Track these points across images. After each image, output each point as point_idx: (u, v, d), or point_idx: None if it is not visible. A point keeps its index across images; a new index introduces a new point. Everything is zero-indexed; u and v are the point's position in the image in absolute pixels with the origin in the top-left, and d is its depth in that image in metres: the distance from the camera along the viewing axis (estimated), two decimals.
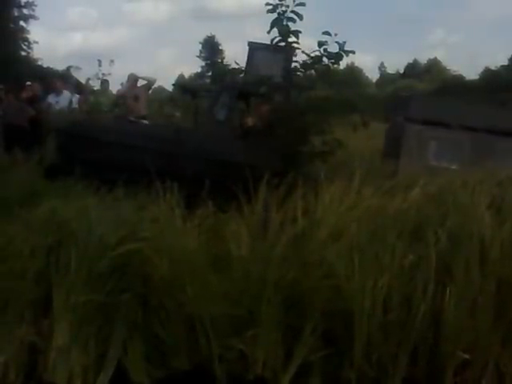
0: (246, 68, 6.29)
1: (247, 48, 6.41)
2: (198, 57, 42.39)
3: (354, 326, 3.43)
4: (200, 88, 7.38)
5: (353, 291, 3.49)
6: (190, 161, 5.44)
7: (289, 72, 5.70)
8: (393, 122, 7.12)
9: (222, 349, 3.46)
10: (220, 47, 41.31)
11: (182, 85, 7.51)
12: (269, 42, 5.52)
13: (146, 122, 7.29)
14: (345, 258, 3.60)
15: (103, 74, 7.73)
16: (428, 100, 7.89)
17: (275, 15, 5.33)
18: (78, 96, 8.45)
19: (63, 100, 8.23)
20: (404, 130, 6.33)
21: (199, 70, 40.70)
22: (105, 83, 8.10)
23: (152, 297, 3.65)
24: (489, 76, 28.13)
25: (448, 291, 3.40)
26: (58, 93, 8.33)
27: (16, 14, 22.95)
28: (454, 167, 5.83)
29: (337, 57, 5.47)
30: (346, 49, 5.43)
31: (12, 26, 22.33)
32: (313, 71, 5.55)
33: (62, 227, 3.83)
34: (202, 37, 42.13)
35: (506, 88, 21.05)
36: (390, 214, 3.94)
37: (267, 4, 5.34)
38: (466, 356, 3.31)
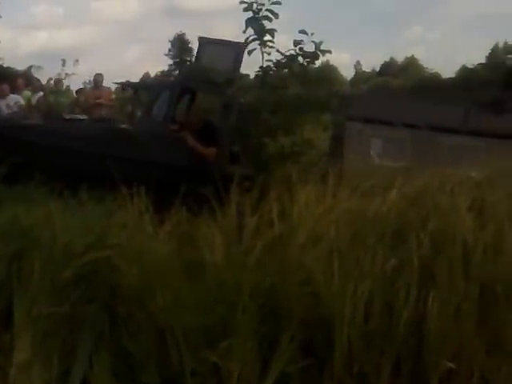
0: (194, 63, 6.15)
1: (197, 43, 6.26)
2: (166, 55, 41.88)
3: (334, 334, 3.27)
4: (140, 85, 7.19)
5: (332, 298, 3.32)
6: (117, 161, 5.21)
7: (238, 68, 5.70)
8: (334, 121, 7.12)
9: (194, 362, 3.27)
10: (190, 45, 40.69)
11: (120, 82, 7.36)
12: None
13: (83, 117, 7.01)
14: (324, 262, 3.44)
15: (66, 74, 7.54)
16: (370, 98, 7.94)
17: (250, 13, 5.21)
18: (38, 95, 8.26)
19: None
20: (346, 128, 6.31)
21: (166, 68, 40.21)
22: (59, 83, 7.93)
23: (120, 307, 3.45)
24: (466, 74, 28.44)
25: (431, 297, 3.27)
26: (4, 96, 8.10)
27: None
28: (396, 165, 5.81)
29: (313, 56, 5.38)
30: (322, 48, 5.35)
31: None
32: (286, 70, 5.45)
33: (25, 234, 3.63)
34: (172, 35, 41.60)
35: (483, 86, 21.26)
36: (369, 216, 3.81)
37: (242, 2, 5.19)
38: (451, 365, 3.18)
